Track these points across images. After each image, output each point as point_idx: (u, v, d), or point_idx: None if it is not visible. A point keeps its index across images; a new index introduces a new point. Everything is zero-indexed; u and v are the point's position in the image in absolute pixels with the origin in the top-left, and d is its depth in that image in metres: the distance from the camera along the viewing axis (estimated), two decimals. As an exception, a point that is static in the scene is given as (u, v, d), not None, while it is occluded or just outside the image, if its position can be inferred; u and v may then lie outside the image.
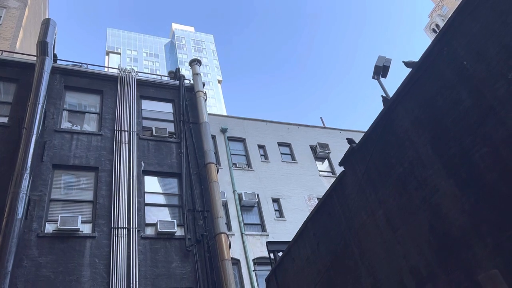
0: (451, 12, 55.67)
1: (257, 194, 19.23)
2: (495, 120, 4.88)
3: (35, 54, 12.87)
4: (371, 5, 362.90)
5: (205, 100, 14.34)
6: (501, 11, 5.03)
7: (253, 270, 16.61)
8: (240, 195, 18.64)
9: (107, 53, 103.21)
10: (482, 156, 5.02)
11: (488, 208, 4.88)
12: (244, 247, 17.11)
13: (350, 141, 8.03)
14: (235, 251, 16.54)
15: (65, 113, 12.71)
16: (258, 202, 19.09)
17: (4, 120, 11.69)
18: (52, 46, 13.03)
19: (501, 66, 4.91)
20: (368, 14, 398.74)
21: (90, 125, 12.75)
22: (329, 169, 22.59)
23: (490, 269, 4.71)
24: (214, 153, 13.94)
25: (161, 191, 12.03)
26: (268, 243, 12.41)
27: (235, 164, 20.10)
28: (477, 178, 5.07)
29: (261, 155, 21.36)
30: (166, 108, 14.14)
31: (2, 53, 14.62)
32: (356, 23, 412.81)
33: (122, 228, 10.53)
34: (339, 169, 20.82)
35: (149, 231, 10.96)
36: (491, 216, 4.83)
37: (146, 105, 13.86)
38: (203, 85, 14.81)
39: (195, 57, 16.19)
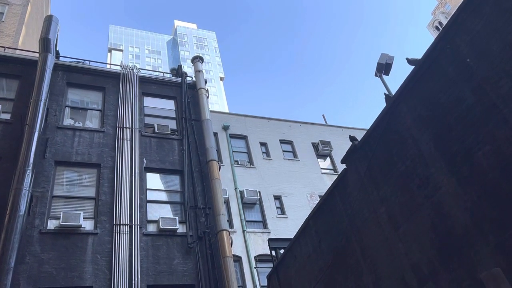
0: (454, 9, 55.42)
1: (259, 192, 19.26)
2: (498, 118, 4.86)
3: (38, 51, 12.87)
4: (374, 1, 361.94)
5: (207, 97, 14.34)
6: (504, 9, 5.01)
7: (255, 267, 16.65)
8: (242, 192, 18.66)
9: (110, 50, 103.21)
10: (484, 154, 5.00)
11: (490, 206, 4.87)
12: (246, 244, 17.14)
13: (352, 138, 8.02)
14: (237, 248, 16.57)
15: (67, 110, 12.72)
16: (260, 200, 19.11)
17: (7, 116, 11.71)
18: (55, 43, 13.03)
19: (504, 64, 4.89)
20: (371, 10, 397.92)
21: (92, 122, 12.76)
22: (331, 167, 22.58)
23: (492, 267, 4.70)
24: (216, 150, 13.93)
25: (163, 188, 12.04)
26: (270, 240, 12.45)
27: (237, 161, 20.11)
28: (479, 176, 5.06)
29: (263, 152, 21.37)
30: (168, 105, 14.13)
31: (4, 50, 14.62)
32: (358, 20, 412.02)
33: (124, 224, 10.55)
34: (341, 167, 20.81)
35: (151, 228, 10.98)
36: (493, 214, 4.82)
37: (148, 102, 13.87)
38: (205, 82, 14.81)
39: (197, 54, 16.19)
